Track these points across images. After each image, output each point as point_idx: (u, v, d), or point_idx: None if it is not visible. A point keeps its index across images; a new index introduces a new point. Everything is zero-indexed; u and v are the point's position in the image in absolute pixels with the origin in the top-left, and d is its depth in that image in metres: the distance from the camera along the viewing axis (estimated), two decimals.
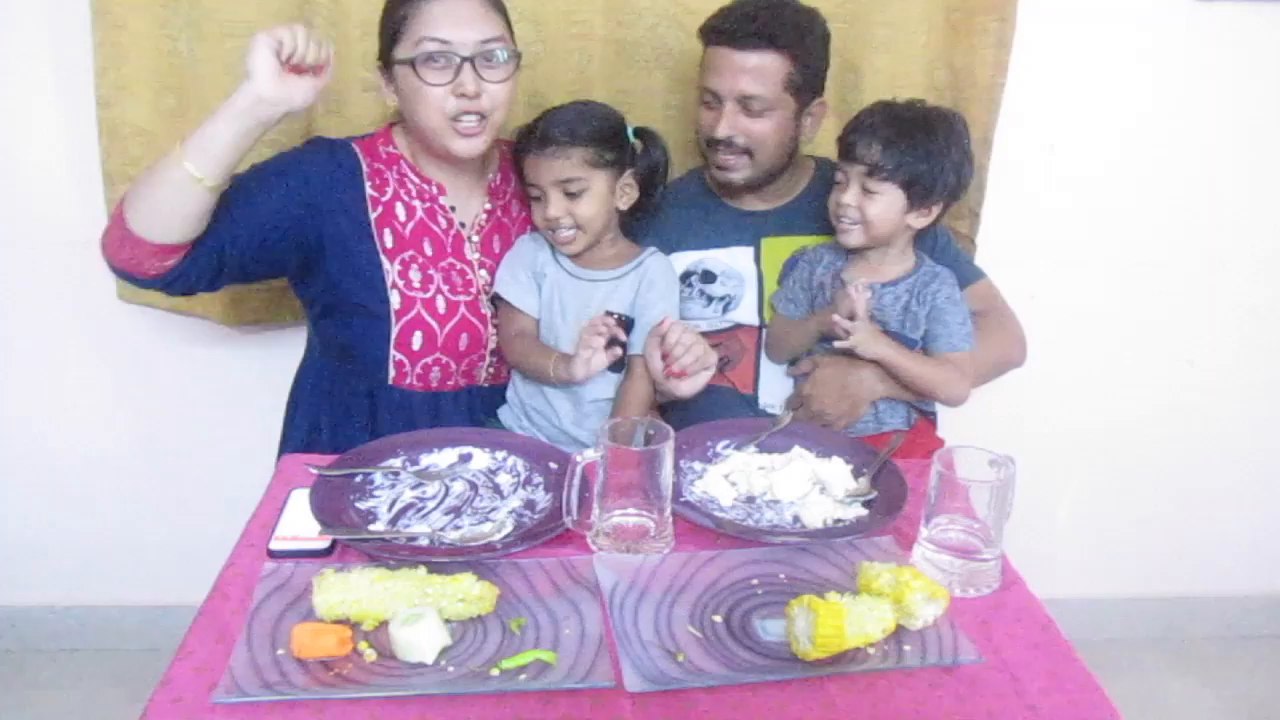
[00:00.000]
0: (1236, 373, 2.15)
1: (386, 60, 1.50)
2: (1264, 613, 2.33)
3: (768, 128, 1.58)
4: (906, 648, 1.01)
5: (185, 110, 1.74)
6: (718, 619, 1.05)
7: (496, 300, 1.61)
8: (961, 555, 1.12)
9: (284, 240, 1.48)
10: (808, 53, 1.57)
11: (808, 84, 1.60)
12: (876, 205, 1.49)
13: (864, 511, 1.25)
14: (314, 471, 1.26)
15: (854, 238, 1.53)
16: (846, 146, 1.52)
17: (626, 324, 1.56)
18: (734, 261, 1.68)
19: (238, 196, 1.41)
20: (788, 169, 1.67)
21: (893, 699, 0.95)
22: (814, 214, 1.68)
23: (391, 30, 1.48)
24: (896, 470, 1.31)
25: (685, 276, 1.68)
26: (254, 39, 1.29)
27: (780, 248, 1.68)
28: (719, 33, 1.56)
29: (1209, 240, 2.04)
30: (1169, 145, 1.97)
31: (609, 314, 1.53)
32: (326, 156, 1.53)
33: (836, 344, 1.50)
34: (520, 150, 1.55)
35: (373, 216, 1.53)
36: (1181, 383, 2.15)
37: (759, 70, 1.54)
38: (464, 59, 1.44)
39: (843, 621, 0.96)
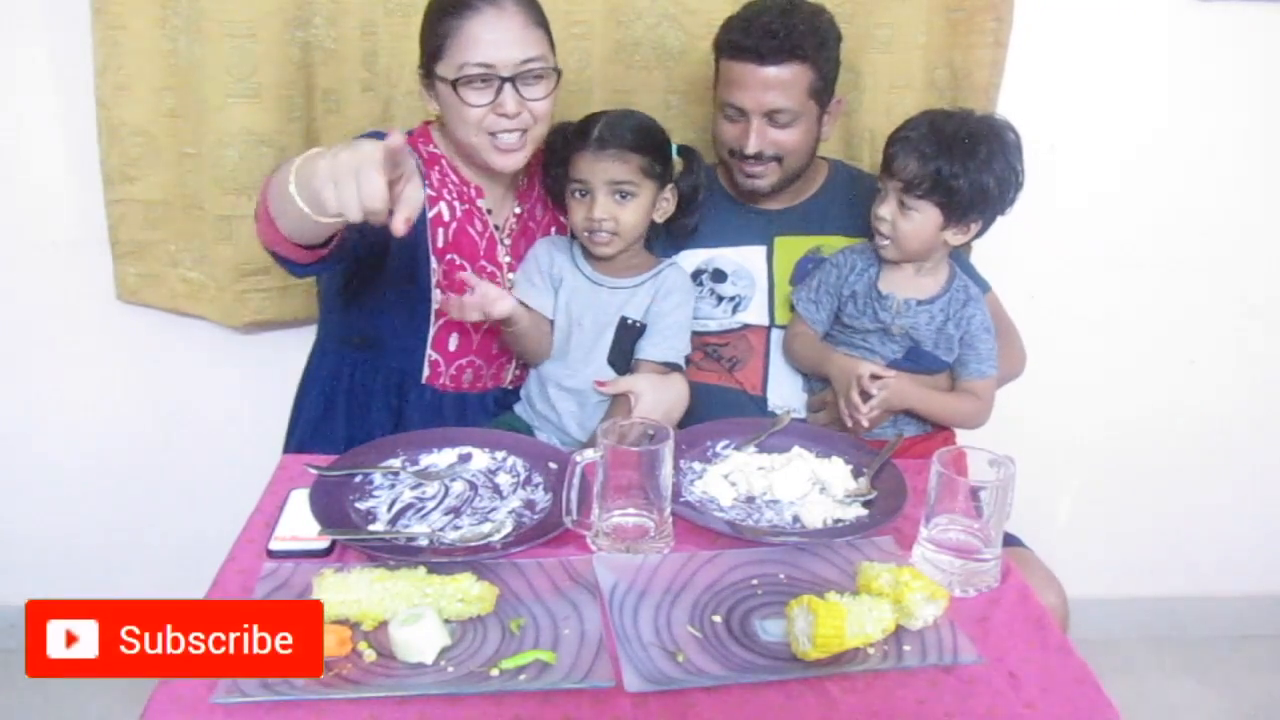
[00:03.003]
0: (1237, 373, 2.15)
1: (428, 71, 1.48)
2: (1264, 613, 2.33)
3: (796, 136, 1.58)
4: (906, 648, 1.01)
5: (185, 110, 1.75)
6: (718, 619, 1.05)
7: None
8: (961, 555, 1.12)
9: (371, 229, 1.43)
10: (827, 58, 1.57)
11: (828, 87, 1.60)
12: (910, 222, 1.47)
13: (864, 511, 1.25)
14: (314, 471, 1.26)
15: (889, 252, 1.51)
16: (886, 159, 1.48)
17: (639, 330, 1.57)
18: (745, 260, 1.68)
19: None
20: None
21: (893, 699, 0.95)
22: (828, 214, 1.68)
23: (434, 45, 1.46)
24: (896, 470, 1.31)
25: (695, 275, 1.67)
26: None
27: (794, 247, 1.68)
28: (741, 49, 1.53)
29: (1209, 240, 2.04)
30: (1169, 145, 1.97)
31: (624, 318, 1.56)
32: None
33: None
34: (572, 148, 1.53)
35: (430, 214, 1.53)
36: (1182, 383, 2.14)
37: (785, 83, 1.53)
38: (504, 79, 1.44)
39: (843, 622, 0.96)
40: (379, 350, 1.58)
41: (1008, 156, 1.46)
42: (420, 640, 0.97)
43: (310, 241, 1.27)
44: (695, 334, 1.68)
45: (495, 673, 0.95)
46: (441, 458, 1.34)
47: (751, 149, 1.57)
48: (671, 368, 1.58)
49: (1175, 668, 2.22)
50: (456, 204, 1.56)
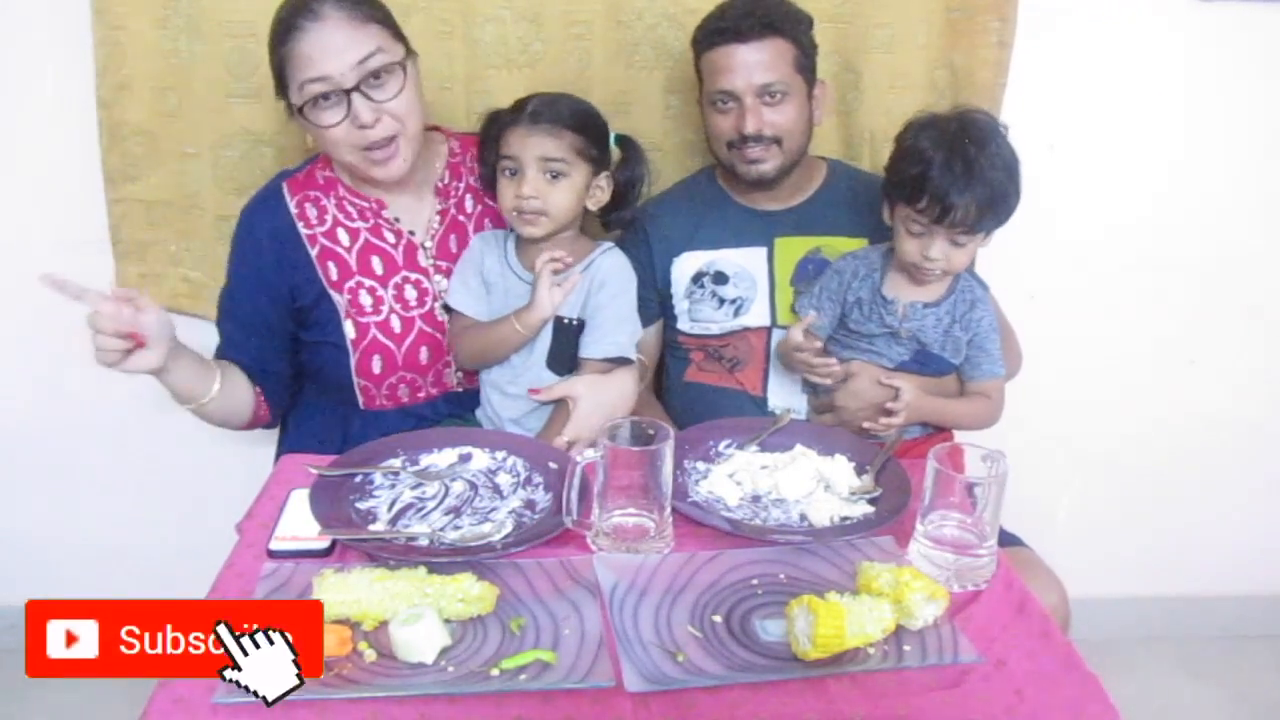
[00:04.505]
0: (1237, 373, 2.14)
1: (287, 106, 1.44)
2: (1264, 613, 2.33)
3: (790, 114, 1.58)
4: (906, 648, 1.01)
5: (185, 110, 1.74)
6: (718, 619, 1.06)
7: (447, 309, 1.57)
8: (956, 550, 1.12)
9: (283, 320, 1.55)
10: (804, 34, 1.59)
11: (810, 64, 1.61)
12: (964, 254, 1.46)
13: (870, 509, 1.25)
14: (314, 471, 1.26)
15: (934, 279, 1.51)
16: (936, 207, 1.40)
17: (578, 327, 1.52)
18: (746, 262, 1.67)
19: (236, 333, 1.54)
20: (800, 165, 1.66)
21: (893, 699, 0.95)
22: (828, 214, 1.68)
23: (277, 76, 1.42)
24: (900, 467, 1.32)
25: (698, 277, 1.67)
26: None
27: (794, 248, 1.67)
28: (720, 33, 1.55)
29: (1209, 240, 2.04)
30: (1169, 145, 1.97)
31: (559, 318, 1.51)
32: (260, 217, 1.53)
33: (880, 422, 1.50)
34: (505, 123, 1.49)
35: (312, 254, 1.52)
36: (1182, 383, 2.14)
37: (770, 58, 1.55)
38: (349, 90, 1.39)
39: (843, 622, 0.96)
40: (318, 383, 1.60)
41: (1008, 144, 1.44)
42: (420, 640, 0.97)
43: (246, 416, 1.54)
44: (697, 336, 1.68)
45: (495, 673, 0.96)
46: (441, 458, 1.34)
47: (750, 128, 1.56)
48: (620, 362, 1.52)
49: (1175, 668, 2.22)
50: (359, 224, 1.54)
